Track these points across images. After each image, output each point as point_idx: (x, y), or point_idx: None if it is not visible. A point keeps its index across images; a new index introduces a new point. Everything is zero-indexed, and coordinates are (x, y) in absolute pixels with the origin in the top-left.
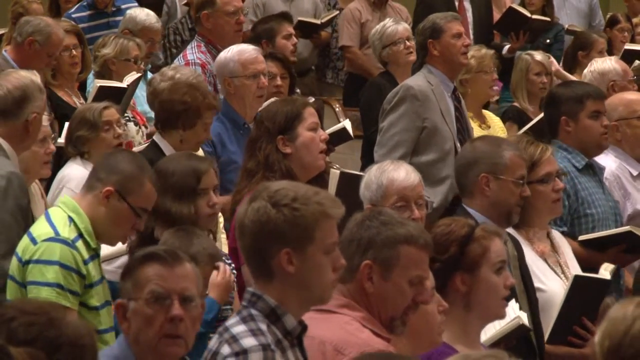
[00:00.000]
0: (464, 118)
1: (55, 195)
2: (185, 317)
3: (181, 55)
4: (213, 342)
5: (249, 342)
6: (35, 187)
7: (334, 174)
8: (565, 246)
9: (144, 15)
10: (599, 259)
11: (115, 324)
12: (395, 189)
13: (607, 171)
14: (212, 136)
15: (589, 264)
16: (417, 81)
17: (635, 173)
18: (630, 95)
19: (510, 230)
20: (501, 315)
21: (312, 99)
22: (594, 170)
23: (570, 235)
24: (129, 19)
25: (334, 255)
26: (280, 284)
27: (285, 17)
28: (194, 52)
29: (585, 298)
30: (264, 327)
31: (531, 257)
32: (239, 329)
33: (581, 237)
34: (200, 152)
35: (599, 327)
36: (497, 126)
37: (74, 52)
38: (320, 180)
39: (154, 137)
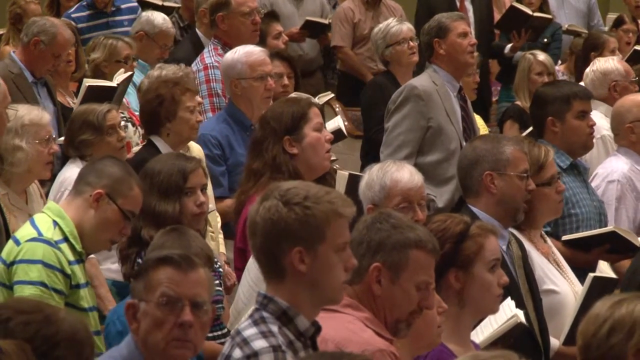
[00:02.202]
0: (470, 118)
1: (58, 197)
2: (195, 322)
3: (198, 58)
4: (226, 347)
5: (259, 344)
6: (34, 188)
7: (342, 175)
8: (553, 245)
9: (161, 19)
10: (583, 259)
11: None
12: (399, 190)
13: (619, 173)
14: (219, 138)
15: (574, 263)
16: (421, 81)
17: None
18: None
19: (513, 231)
20: (494, 311)
21: (330, 95)
22: (578, 170)
23: (554, 235)
24: (146, 21)
25: (345, 254)
26: (292, 284)
27: (273, 16)
28: (211, 55)
29: (597, 298)
30: (275, 328)
31: (538, 260)
32: (250, 332)
33: (565, 237)
34: (198, 149)
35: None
36: (479, 125)
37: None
38: (323, 181)
39: (150, 136)
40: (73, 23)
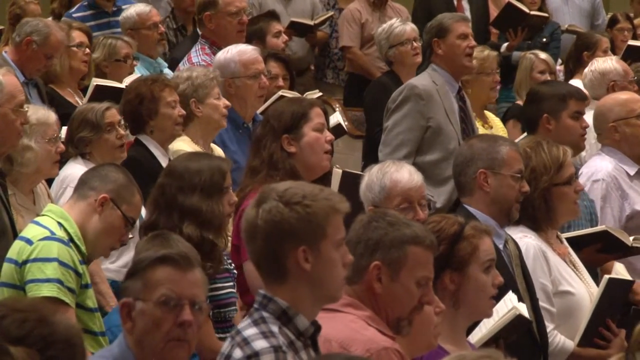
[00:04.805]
0: (469, 118)
1: (59, 195)
2: (193, 322)
3: (186, 58)
4: (225, 346)
5: (260, 344)
6: (42, 187)
7: (336, 172)
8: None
9: (133, 10)
10: None
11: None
12: (399, 190)
13: (604, 172)
14: None
15: None
16: (421, 80)
17: (632, 173)
18: (624, 95)
19: (530, 233)
20: (488, 314)
21: (317, 93)
22: None
23: None
24: (125, 20)
25: (343, 250)
26: (294, 284)
27: (273, 15)
28: (198, 54)
29: (612, 299)
30: (275, 329)
31: (555, 261)
32: (250, 331)
33: None
34: (220, 152)
35: None
36: (498, 127)
37: (87, 50)
38: (325, 181)
39: (138, 135)
40: (87, 26)
